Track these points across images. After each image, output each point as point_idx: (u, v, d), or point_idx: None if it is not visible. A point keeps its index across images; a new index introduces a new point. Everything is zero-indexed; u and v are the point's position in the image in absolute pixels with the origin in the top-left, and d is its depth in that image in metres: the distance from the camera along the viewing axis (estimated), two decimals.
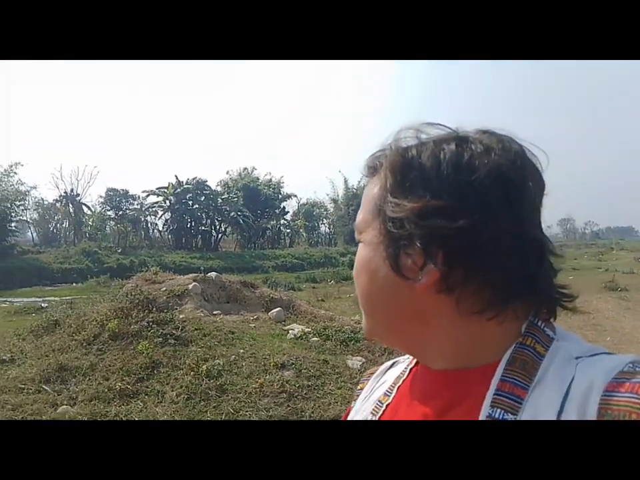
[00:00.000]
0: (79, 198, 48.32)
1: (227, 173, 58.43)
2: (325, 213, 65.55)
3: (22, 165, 39.28)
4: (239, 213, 48.32)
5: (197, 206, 48.33)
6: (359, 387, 0.85)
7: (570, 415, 0.53)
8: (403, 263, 0.61)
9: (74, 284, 31.06)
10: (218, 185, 54.60)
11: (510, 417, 0.56)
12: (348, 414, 0.82)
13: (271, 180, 57.61)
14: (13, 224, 38.70)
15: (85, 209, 49.00)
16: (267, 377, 5.88)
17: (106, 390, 5.68)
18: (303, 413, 5.28)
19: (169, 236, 49.89)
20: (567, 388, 0.55)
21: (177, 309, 7.67)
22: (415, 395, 0.70)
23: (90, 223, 44.83)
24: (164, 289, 8.12)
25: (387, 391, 0.75)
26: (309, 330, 7.59)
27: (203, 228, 50.00)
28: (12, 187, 37.84)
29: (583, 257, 40.40)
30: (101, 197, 48.71)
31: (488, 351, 0.62)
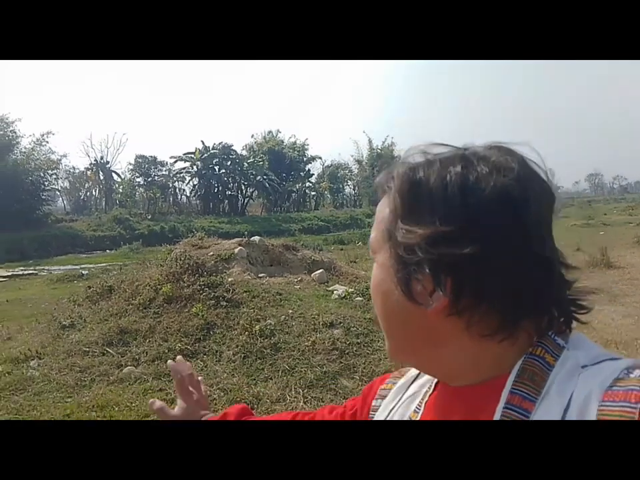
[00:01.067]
0: (108, 165, 49.11)
1: (252, 136, 58.50)
2: (349, 174, 65.38)
3: (53, 134, 39.97)
4: (264, 177, 48.53)
5: (224, 171, 48.66)
6: (382, 386, 0.86)
7: None
8: (414, 288, 0.62)
9: (107, 251, 31.79)
10: (243, 149, 54.83)
11: None
12: (359, 405, 0.87)
13: (295, 143, 57.44)
14: (45, 193, 39.51)
15: (115, 177, 49.77)
16: (318, 335, 6.07)
17: (166, 351, 5.96)
18: (355, 369, 5.47)
19: (197, 201, 50.48)
20: (569, 400, 0.56)
21: (225, 272, 7.90)
22: (438, 411, 0.71)
23: (120, 190, 45.61)
24: (211, 253, 8.34)
25: (416, 408, 0.76)
26: (352, 290, 7.76)
27: (230, 192, 50.40)
28: (44, 155, 38.39)
29: (613, 212, 39.79)
30: (130, 164, 49.48)
31: (500, 364, 0.63)
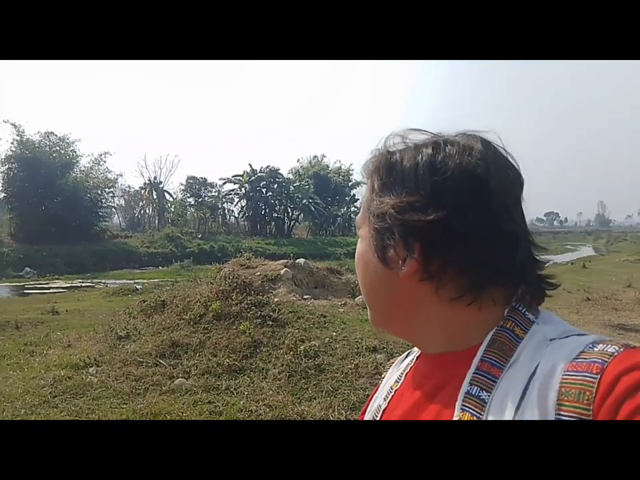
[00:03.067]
0: (161, 185, 50.80)
1: (298, 160, 59.49)
2: None
3: (110, 155, 41.89)
4: (310, 200, 49.25)
5: (270, 193, 49.74)
6: (382, 376, 0.91)
7: (532, 392, 0.57)
8: (388, 254, 0.67)
9: (159, 267, 32.68)
10: (289, 173, 55.74)
11: (485, 394, 0.61)
12: (371, 399, 0.89)
13: (340, 168, 58.01)
14: (102, 210, 41.29)
15: (167, 196, 51.41)
16: (361, 359, 6.21)
17: (215, 365, 6.25)
18: None
19: (245, 222, 51.53)
20: (535, 368, 0.59)
21: (271, 292, 8.18)
22: (416, 378, 0.76)
23: (172, 209, 47.06)
24: (258, 273, 8.66)
25: (397, 378, 0.82)
26: None
27: (276, 215, 51.31)
28: (102, 174, 40.24)
29: None
30: (181, 184, 51.16)
31: (472, 334, 0.67)
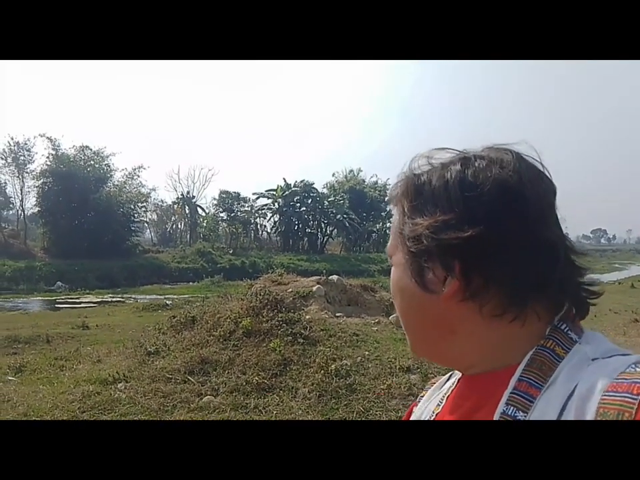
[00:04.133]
0: (194, 200, 51.43)
1: (333, 175, 59.59)
2: None
3: (144, 169, 42.67)
4: (344, 216, 49.14)
5: (304, 208, 49.84)
6: (421, 394, 0.89)
7: (570, 413, 0.56)
8: (426, 277, 0.66)
9: (190, 283, 32.98)
10: (324, 188, 55.79)
11: (521, 414, 0.60)
12: (408, 416, 0.88)
13: (376, 182, 57.89)
14: (135, 224, 42.02)
15: (200, 211, 52.01)
16: (394, 379, 6.02)
17: (244, 383, 6.12)
18: None
19: (277, 238, 51.70)
20: (574, 388, 0.58)
21: (302, 309, 8.03)
22: (455, 401, 0.75)
23: (204, 224, 47.55)
24: (290, 290, 8.53)
25: (439, 401, 0.80)
26: None
27: (310, 230, 51.34)
28: (135, 189, 41.02)
29: None
30: (214, 199, 51.76)
31: (512, 353, 0.65)
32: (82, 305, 21.72)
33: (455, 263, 0.63)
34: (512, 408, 0.61)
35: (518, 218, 0.62)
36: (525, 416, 0.60)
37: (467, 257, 0.62)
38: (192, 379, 6.34)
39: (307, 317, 7.70)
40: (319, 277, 9.16)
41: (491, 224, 0.61)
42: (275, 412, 5.49)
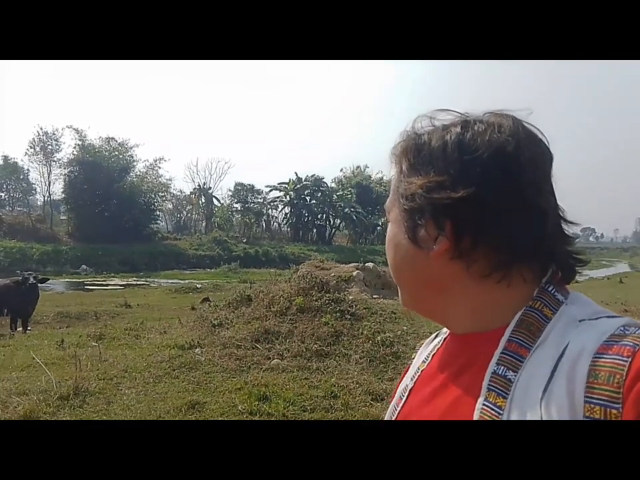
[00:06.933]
0: (210, 191, 52.61)
1: (341, 170, 60.80)
2: None
3: (165, 161, 44.12)
4: (352, 209, 50.63)
5: (314, 201, 51.40)
6: (412, 357, 0.91)
7: (560, 373, 0.57)
8: (419, 234, 0.67)
9: (207, 269, 34.06)
10: (332, 182, 57.00)
11: (511, 374, 0.61)
12: (402, 379, 0.89)
13: (382, 178, 58.89)
14: (155, 213, 43.33)
15: (215, 201, 53.21)
16: None
17: (304, 350, 7.20)
18: None
19: (288, 229, 52.94)
20: (564, 349, 0.58)
21: (345, 291, 9.13)
22: (444, 358, 0.76)
23: (219, 214, 48.73)
24: (333, 274, 9.65)
25: (424, 358, 0.82)
26: None
27: (319, 222, 52.64)
28: (156, 179, 42.32)
29: None
30: (229, 190, 53.26)
31: (500, 313, 0.66)
32: (109, 288, 22.72)
33: (447, 222, 0.64)
34: (502, 368, 0.62)
35: (511, 182, 0.62)
36: (515, 375, 0.60)
37: (458, 217, 0.63)
38: (259, 346, 7.43)
39: (350, 297, 8.78)
40: (356, 264, 10.30)
41: (484, 187, 0.62)
42: (335, 372, 6.52)
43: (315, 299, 8.53)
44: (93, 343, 8.31)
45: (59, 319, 12.37)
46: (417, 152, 0.69)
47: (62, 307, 13.66)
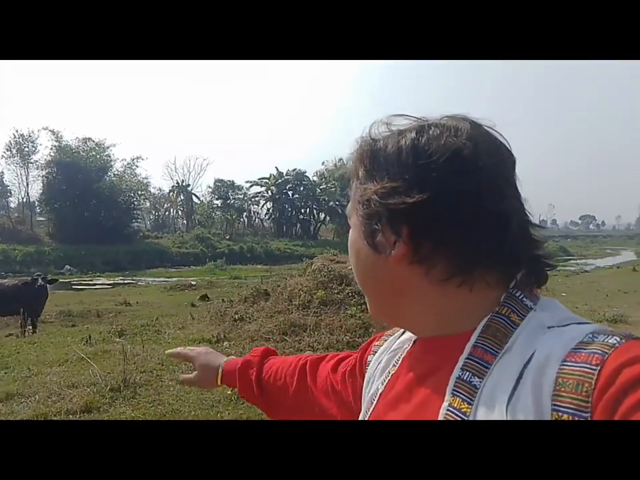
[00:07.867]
0: (190, 188, 52.23)
1: (323, 164, 60.63)
2: None
3: (143, 159, 43.74)
4: (337, 203, 50.57)
5: (297, 196, 51.17)
6: (376, 342, 0.90)
7: (527, 380, 0.55)
8: (376, 239, 0.67)
9: (191, 267, 33.83)
10: (314, 176, 56.90)
11: (476, 380, 0.60)
12: (366, 347, 0.92)
13: None
14: (134, 212, 42.95)
15: (195, 199, 52.85)
16: None
17: (335, 342, 7.25)
18: None
19: (271, 224, 52.84)
20: (531, 356, 0.57)
21: None
22: (410, 361, 0.75)
23: (199, 211, 48.50)
24: (349, 267, 9.73)
25: (394, 361, 0.81)
26: None
27: (303, 217, 52.58)
28: (134, 178, 41.96)
29: None
30: (209, 187, 52.96)
31: (465, 318, 0.65)
32: (97, 287, 22.36)
33: (403, 227, 0.63)
34: (467, 373, 0.61)
35: (468, 186, 0.61)
36: (480, 381, 0.60)
37: (415, 222, 0.63)
38: (287, 339, 7.48)
39: None
40: None
41: (440, 191, 0.61)
42: None
43: (336, 291, 8.61)
44: (117, 339, 8.25)
45: (61, 317, 12.16)
46: (372, 158, 0.69)
47: (62, 306, 13.42)
